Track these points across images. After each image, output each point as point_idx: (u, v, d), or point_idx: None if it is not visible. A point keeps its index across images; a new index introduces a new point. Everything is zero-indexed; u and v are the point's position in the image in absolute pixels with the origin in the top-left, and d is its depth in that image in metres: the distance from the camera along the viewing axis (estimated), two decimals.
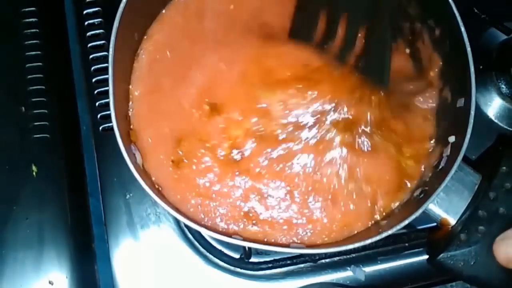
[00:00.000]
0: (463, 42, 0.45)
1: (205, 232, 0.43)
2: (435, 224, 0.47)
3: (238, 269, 0.53)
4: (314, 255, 0.52)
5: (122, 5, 0.44)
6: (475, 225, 0.44)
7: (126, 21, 0.44)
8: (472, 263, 0.43)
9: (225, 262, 0.53)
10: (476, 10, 0.58)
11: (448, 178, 0.43)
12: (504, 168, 0.45)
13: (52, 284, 0.49)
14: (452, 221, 0.45)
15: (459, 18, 0.45)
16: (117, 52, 0.43)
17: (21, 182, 0.51)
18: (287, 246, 0.46)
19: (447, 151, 0.45)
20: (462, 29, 0.45)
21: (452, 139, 0.46)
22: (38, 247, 0.49)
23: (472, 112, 0.44)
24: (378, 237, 0.42)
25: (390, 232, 0.42)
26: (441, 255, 0.44)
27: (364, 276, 0.53)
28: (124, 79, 0.48)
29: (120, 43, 0.44)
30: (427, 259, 0.47)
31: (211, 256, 0.53)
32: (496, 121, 0.58)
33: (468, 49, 0.45)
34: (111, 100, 0.43)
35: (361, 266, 0.53)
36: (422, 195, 0.46)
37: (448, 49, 0.48)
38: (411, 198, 0.47)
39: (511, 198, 0.44)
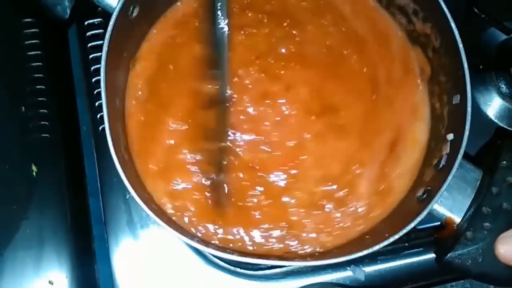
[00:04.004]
0: (455, 37, 0.44)
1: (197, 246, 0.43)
2: (435, 223, 0.47)
3: (238, 269, 0.53)
4: None
5: (117, 8, 0.44)
6: (480, 222, 0.43)
7: (121, 26, 0.44)
8: (480, 261, 0.43)
9: (225, 262, 0.53)
10: (476, 10, 0.58)
11: (450, 177, 0.43)
12: (505, 162, 0.45)
13: (52, 283, 0.49)
14: (457, 219, 0.45)
15: (448, 14, 0.45)
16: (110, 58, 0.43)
17: (21, 182, 0.51)
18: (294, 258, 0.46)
19: (447, 149, 0.45)
20: (453, 25, 0.45)
21: (450, 136, 0.45)
22: (38, 247, 0.49)
23: (469, 108, 0.43)
24: (385, 242, 0.42)
25: (397, 236, 0.42)
26: (449, 254, 0.43)
27: (364, 276, 0.53)
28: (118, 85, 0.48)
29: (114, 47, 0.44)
30: (435, 259, 0.47)
31: (211, 256, 0.53)
32: (496, 120, 0.58)
33: (460, 45, 0.44)
34: (105, 113, 0.43)
35: (361, 266, 0.53)
36: (425, 195, 0.45)
37: (439, 45, 0.48)
38: (414, 199, 0.47)
39: None
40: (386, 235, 0.43)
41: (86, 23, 0.58)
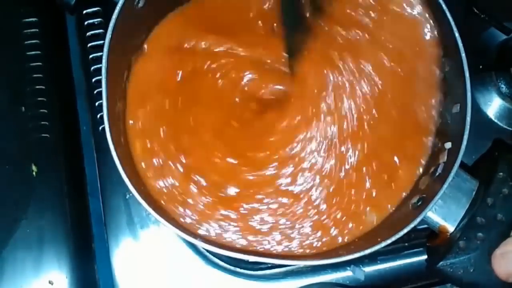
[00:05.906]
0: (458, 46, 0.44)
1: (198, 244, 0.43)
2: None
3: (238, 269, 0.53)
4: None
5: (119, 5, 0.43)
6: (473, 232, 0.43)
7: (124, 22, 0.43)
8: (471, 270, 0.43)
9: (225, 262, 0.53)
10: (475, 10, 0.58)
11: (445, 186, 0.42)
12: (501, 173, 0.44)
13: (52, 284, 0.49)
14: (451, 228, 0.45)
15: (452, 23, 0.45)
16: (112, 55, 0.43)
17: (21, 182, 0.51)
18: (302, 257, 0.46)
19: (444, 157, 0.45)
20: (456, 34, 0.44)
21: (448, 145, 0.45)
22: (37, 247, 0.49)
23: (468, 118, 0.43)
24: (377, 247, 0.42)
25: (389, 241, 0.42)
26: (440, 263, 0.43)
27: (364, 276, 0.53)
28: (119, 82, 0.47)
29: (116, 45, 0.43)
30: (426, 267, 0.47)
31: (211, 256, 0.53)
32: (495, 121, 0.58)
33: (463, 54, 0.44)
34: (104, 110, 0.43)
35: (360, 266, 0.53)
36: (420, 202, 0.45)
37: (442, 53, 0.48)
38: (409, 206, 0.47)
39: (509, 204, 0.44)
40: (379, 239, 0.43)
41: (86, 23, 0.58)
